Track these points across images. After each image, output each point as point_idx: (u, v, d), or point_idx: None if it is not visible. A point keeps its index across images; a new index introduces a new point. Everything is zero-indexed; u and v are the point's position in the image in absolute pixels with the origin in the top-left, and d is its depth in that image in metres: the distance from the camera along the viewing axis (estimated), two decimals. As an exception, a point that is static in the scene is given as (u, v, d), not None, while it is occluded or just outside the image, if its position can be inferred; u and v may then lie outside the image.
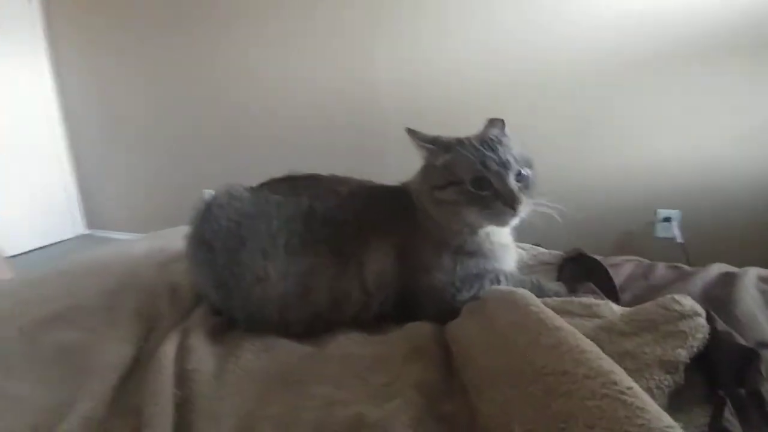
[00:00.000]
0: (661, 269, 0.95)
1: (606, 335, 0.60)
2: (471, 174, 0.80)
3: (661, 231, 2.11)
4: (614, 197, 2.16)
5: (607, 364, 0.49)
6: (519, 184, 0.81)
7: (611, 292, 0.86)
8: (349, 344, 0.76)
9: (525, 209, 0.80)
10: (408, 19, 2.29)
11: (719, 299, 0.78)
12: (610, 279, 0.88)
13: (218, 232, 0.88)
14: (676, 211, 2.07)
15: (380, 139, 2.42)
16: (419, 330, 0.78)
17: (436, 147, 0.85)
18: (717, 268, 0.92)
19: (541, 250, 1.08)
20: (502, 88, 2.18)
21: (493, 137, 0.84)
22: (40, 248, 3.41)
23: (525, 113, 2.15)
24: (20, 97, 3.18)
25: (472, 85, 2.23)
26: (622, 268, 0.98)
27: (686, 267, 0.94)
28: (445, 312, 0.80)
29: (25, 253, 3.29)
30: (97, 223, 3.64)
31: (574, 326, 0.63)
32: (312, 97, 2.57)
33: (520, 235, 1.25)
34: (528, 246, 1.11)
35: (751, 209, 1.94)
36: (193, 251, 0.92)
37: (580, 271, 0.95)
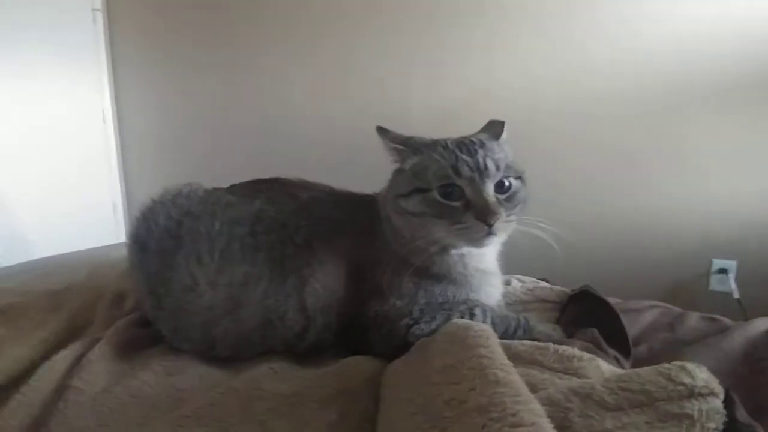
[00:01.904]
0: (693, 320, 0.74)
1: (579, 404, 0.42)
2: (439, 180, 0.65)
3: (715, 284, 1.82)
4: (663, 244, 1.87)
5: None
6: (501, 197, 0.65)
7: (621, 343, 0.67)
8: (265, 376, 0.61)
9: (504, 227, 0.64)
10: (447, 45, 2.17)
11: (763, 363, 0.57)
12: (621, 326, 0.69)
13: (154, 232, 0.77)
14: (733, 262, 1.77)
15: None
16: (356, 367, 0.62)
17: (405, 148, 0.71)
18: (764, 324, 0.69)
19: (543, 284, 0.89)
20: (542, 117, 1.95)
21: (474, 139, 0.70)
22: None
23: (565, 145, 1.92)
24: (76, 109, 3.30)
25: (511, 112, 2.04)
26: (643, 315, 0.78)
27: (725, 320, 0.72)
28: (396, 347, 0.64)
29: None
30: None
31: (540, 383, 0.46)
32: (351, 121, 2.48)
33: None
34: (528, 279, 0.92)
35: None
36: (129, 251, 0.81)
37: (585, 313, 0.76)
